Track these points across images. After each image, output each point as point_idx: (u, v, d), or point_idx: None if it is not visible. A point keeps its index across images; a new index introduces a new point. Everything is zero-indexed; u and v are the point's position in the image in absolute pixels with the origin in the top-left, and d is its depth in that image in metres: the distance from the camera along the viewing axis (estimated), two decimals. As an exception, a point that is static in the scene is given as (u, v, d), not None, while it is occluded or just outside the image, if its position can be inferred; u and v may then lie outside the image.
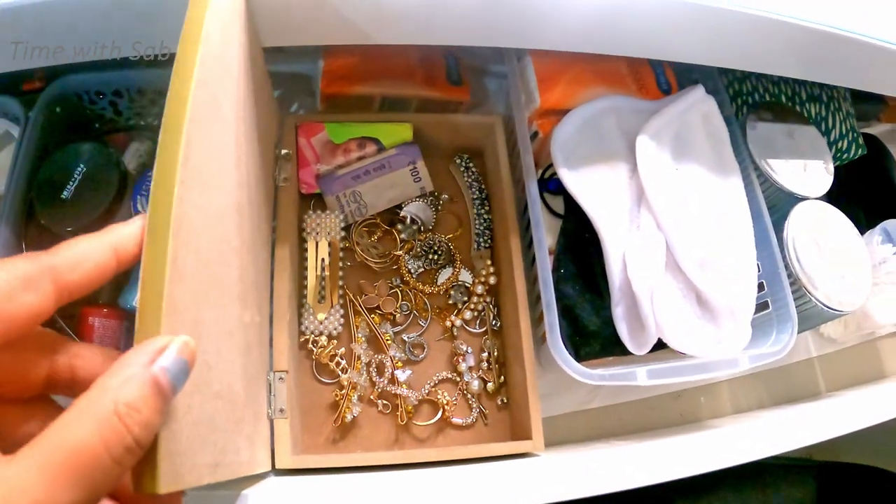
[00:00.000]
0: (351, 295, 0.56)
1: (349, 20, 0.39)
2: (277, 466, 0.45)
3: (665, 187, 0.53)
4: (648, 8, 0.41)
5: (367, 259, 0.57)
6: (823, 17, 0.44)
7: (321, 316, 0.54)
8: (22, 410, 0.26)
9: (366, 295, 0.56)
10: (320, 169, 0.56)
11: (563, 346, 0.48)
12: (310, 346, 0.53)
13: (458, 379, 0.56)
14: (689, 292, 0.53)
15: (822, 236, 0.59)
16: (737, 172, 0.58)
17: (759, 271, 0.56)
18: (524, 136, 0.55)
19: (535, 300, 0.54)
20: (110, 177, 0.51)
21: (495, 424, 0.55)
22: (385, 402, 0.54)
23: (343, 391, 0.53)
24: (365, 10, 0.39)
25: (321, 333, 0.54)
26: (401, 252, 0.58)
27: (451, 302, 0.58)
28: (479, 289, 0.58)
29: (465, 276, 0.59)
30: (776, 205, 0.61)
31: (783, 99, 0.67)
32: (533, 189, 0.52)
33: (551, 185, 0.61)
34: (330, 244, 0.56)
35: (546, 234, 0.58)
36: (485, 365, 0.56)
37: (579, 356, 0.52)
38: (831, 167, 0.63)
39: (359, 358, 0.54)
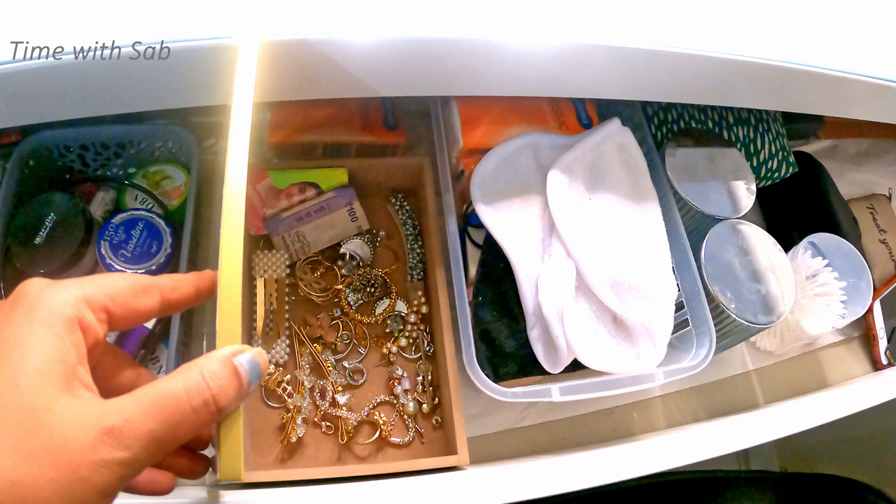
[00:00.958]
0: (296, 327, 0.61)
1: (282, 80, 0.43)
2: (229, 481, 0.50)
3: (574, 217, 0.57)
4: (561, 51, 0.44)
5: (310, 293, 0.63)
6: (731, 46, 0.46)
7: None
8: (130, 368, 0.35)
9: (309, 326, 0.62)
10: (266, 212, 0.62)
11: (479, 367, 0.53)
12: (258, 374, 0.59)
13: (395, 401, 0.60)
14: (602, 313, 0.57)
15: (739, 254, 0.62)
16: (654, 199, 0.62)
17: (678, 291, 0.60)
18: (445, 175, 0.60)
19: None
20: (77, 224, 0.57)
21: (431, 443, 0.60)
22: (328, 423, 0.59)
23: (289, 414, 0.58)
24: (296, 71, 0.43)
25: (269, 362, 0.59)
26: (341, 286, 0.63)
27: (388, 331, 0.63)
28: (413, 318, 0.62)
29: (401, 307, 0.63)
30: (698, 227, 0.64)
31: (710, 124, 0.70)
32: (451, 225, 0.57)
33: (474, 218, 0.65)
34: (277, 281, 0.62)
35: (471, 265, 0.63)
36: (420, 388, 0.61)
37: (498, 376, 0.56)
38: (753, 187, 0.65)
39: (303, 384, 0.59)
